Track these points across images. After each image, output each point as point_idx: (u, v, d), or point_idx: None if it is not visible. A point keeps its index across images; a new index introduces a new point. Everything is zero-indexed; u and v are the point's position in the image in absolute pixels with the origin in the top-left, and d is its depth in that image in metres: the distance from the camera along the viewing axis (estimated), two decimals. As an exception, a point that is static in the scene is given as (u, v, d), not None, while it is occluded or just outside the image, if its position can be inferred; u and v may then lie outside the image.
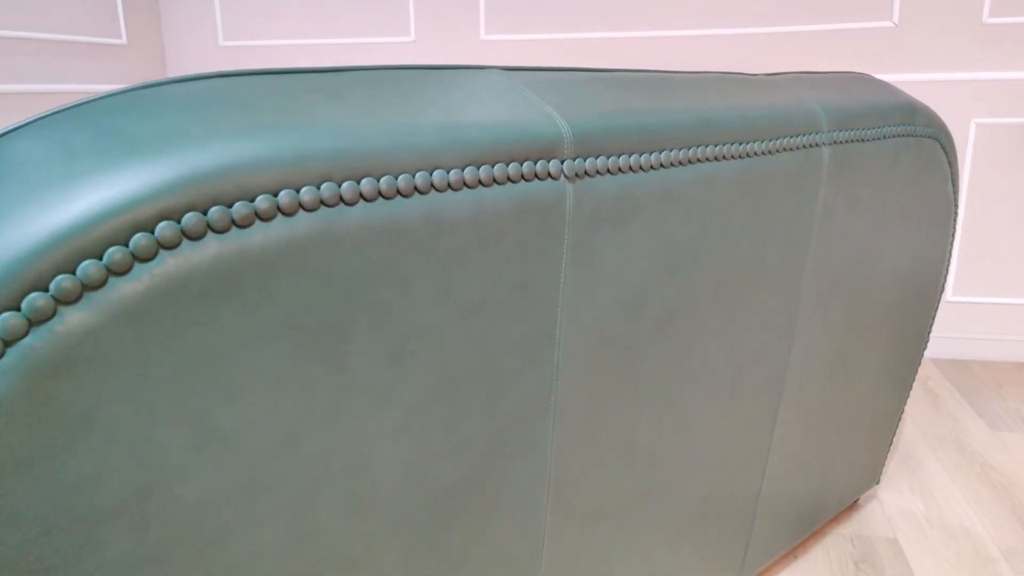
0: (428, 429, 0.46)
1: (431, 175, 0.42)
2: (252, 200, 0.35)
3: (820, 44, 1.84)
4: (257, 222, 0.35)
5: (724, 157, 0.61)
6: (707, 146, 0.59)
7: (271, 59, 2.29)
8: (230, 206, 0.34)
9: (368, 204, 0.39)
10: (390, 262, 0.40)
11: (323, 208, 0.37)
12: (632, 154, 0.53)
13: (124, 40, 2.15)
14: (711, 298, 0.65)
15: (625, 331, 0.57)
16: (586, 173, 0.50)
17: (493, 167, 0.44)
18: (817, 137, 0.72)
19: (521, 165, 0.46)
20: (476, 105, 0.46)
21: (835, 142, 0.74)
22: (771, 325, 0.74)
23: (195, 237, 0.33)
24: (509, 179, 0.45)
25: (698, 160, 0.59)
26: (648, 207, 0.55)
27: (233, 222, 0.34)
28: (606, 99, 0.54)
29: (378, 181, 0.39)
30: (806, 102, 0.72)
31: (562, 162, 0.48)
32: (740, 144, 0.62)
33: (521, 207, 0.46)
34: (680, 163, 0.57)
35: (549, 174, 0.48)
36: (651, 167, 0.55)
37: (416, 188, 0.41)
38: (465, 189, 0.43)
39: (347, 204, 0.38)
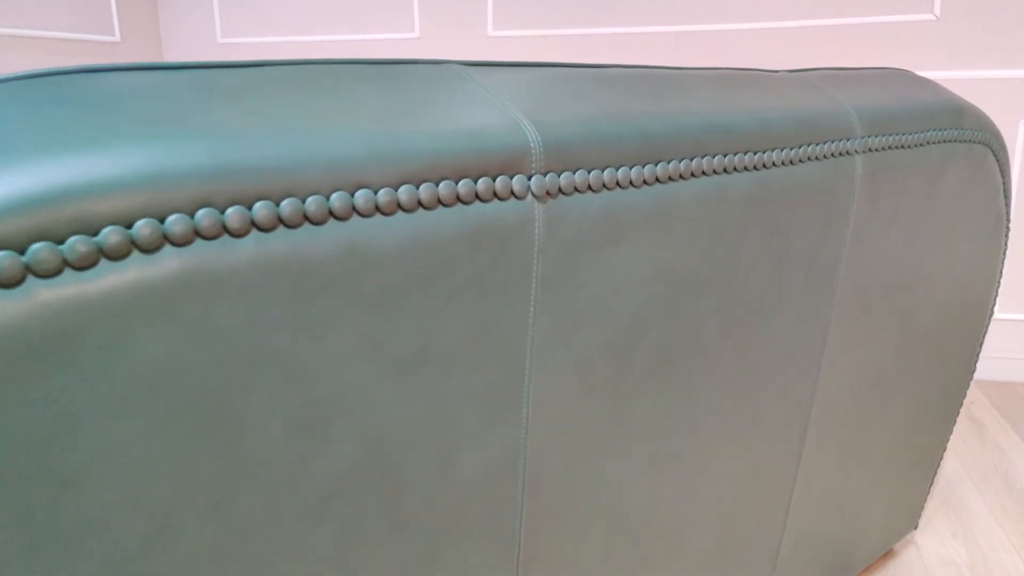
0: (355, 512, 0.37)
1: (353, 196, 0.34)
2: (94, 234, 0.27)
3: (853, 40, 1.74)
4: (103, 262, 0.27)
5: (736, 168, 0.52)
6: (715, 156, 0.51)
7: (272, 57, 2.23)
8: (61, 242, 0.26)
9: (264, 235, 0.31)
10: (296, 308, 0.32)
11: (200, 241, 0.30)
12: (621, 167, 0.45)
13: (117, 38, 2.11)
14: (720, 334, 0.56)
15: (613, 377, 0.49)
16: (561, 191, 0.42)
17: (438, 185, 0.36)
18: (848, 144, 0.63)
19: (475, 182, 0.38)
20: (420, 108, 0.38)
21: (870, 149, 0.65)
22: (793, 362, 0.65)
23: (10, 284, 0.26)
24: (459, 199, 0.37)
25: (704, 173, 0.50)
26: (642, 229, 0.47)
27: (66, 263, 0.27)
28: (591, 100, 0.46)
29: (278, 205, 0.31)
30: (836, 103, 0.63)
31: (529, 178, 0.40)
32: (755, 153, 0.54)
33: (475, 234, 0.38)
34: (682, 176, 0.49)
35: (512, 193, 0.39)
36: (645, 181, 0.46)
37: (332, 213, 0.33)
38: (400, 213, 0.35)
39: (234, 235, 0.30)
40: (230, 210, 0.30)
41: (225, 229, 0.30)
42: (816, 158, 0.60)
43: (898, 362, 0.81)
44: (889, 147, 0.67)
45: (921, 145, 0.71)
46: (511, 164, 0.39)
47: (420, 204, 0.36)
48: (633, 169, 0.45)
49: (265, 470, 0.34)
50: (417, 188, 0.36)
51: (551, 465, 0.47)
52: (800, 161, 0.58)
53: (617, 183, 0.45)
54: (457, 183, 0.37)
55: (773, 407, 0.65)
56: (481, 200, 0.38)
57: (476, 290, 0.39)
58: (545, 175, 0.41)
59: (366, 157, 0.34)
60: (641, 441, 0.53)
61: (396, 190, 0.35)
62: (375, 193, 0.34)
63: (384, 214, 0.35)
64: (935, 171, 0.73)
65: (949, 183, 0.76)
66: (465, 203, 0.38)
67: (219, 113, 0.32)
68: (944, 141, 0.74)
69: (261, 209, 0.31)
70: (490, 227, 0.39)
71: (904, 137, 0.69)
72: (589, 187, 0.43)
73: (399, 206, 0.35)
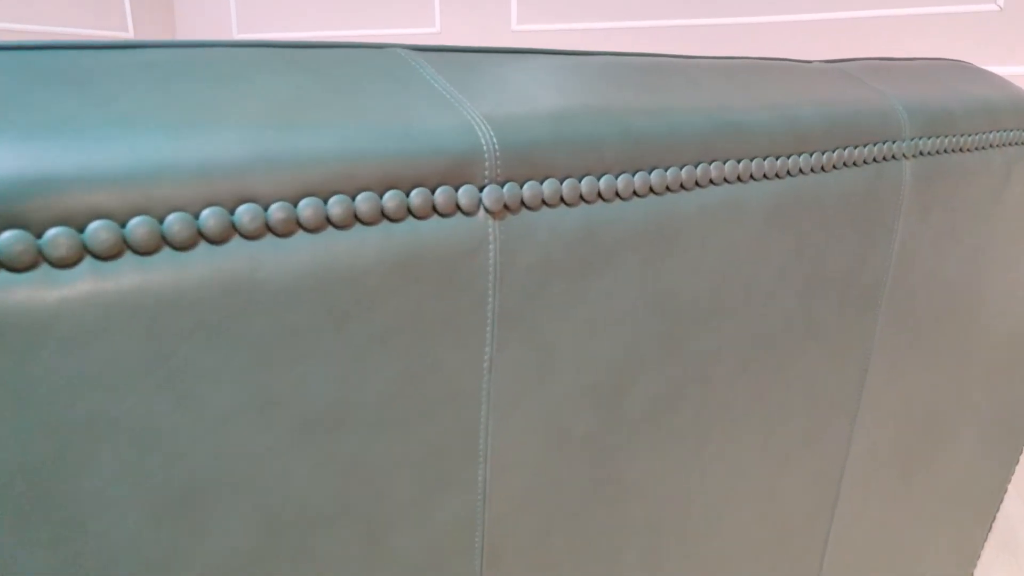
0: (247, 607, 0.30)
1: (233, 212, 0.27)
2: None
3: (905, 33, 1.62)
4: None
5: (754, 176, 0.44)
6: (727, 161, 0.42)
7: (285, 53, 2.19)
8: None
9: (105, 263, 0.24)
10: (154, 358, 0.26)
11: (5, 273, 0.23)
12: (605, 174, 0.37)
13: (131, 33, 2.09)
14: (733, 374, 0.48)
15: (598, 429, 0.41)
16: (524, 204, 0.34)
17: (354, 198, 0.29)
18: (896, 146, 0.54)
19: (408, 194, 0.31)
20: (339, 101, 0.31)
21: (921, 153, 0.56)
22: (825, 403, 0.57)
23: None
24: (385, 216, 0.30)
25: (712, 181, 0.42)
26: (633, 250, 0.39)
27: None
28: (568, 93, 0.38)
29: (124, 226, 0.25)
30: (880, 97, 0.55)
31: (481, 188, 0.33)
32: (779, 157, 0.45)
33: (408, 261, 0.31)
34: (684, 186, 0.41)
35: (459, 207, 0.32)
36: (636, 192, 0.39)
37: (203, 234, 0.26)
38: (301, 233, 0.28)
39: (58, 264, 0.23)
40: (52, 232, 0.23)
41: (42, 256, 0.23)
42: (856, 163, 0.51)
43: (954, 399, 0.72)
44: (944, 150, 0.58)
45: (982, 148, 0.61)
46: (457, 171, 0.32)
47: (329, 222, 0.29)
48: (621, 178, 0.38)
49: (124, 566, 0.27)
50: (325, 202, 0.28)
51: (519, 535, 0.40)
52: (835, 167, 0.50)
53: (599, 195, 0.37)
54: (382, 195, 0.30)
55: (801, 457, 0.56)
56: (416, 217, 0.31)
57: (410, 331, 0.32)
58: (503, 185, 0.33)
59: (251, 162, 0.27)
60: (636, 502, 0.45)
61: (295, 204, 0.28)
62: (264, 208, 0.27)
63: (278, 235, 0.28)
64: (999, 178, 0.64)
65: (1015, 192, 0.66)
66: (393, 220, 0.30)
67: (43, 104, 0.25)
68: (1010, 144, 0.64)
69: (100, 231, 0.24)
70: (428, 251, 0.31)
71: (962, 139, 0.59)
72: (562, 199, 0.36)
73: (299, 224, 0.28)
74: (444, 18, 2.06)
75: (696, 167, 0.41)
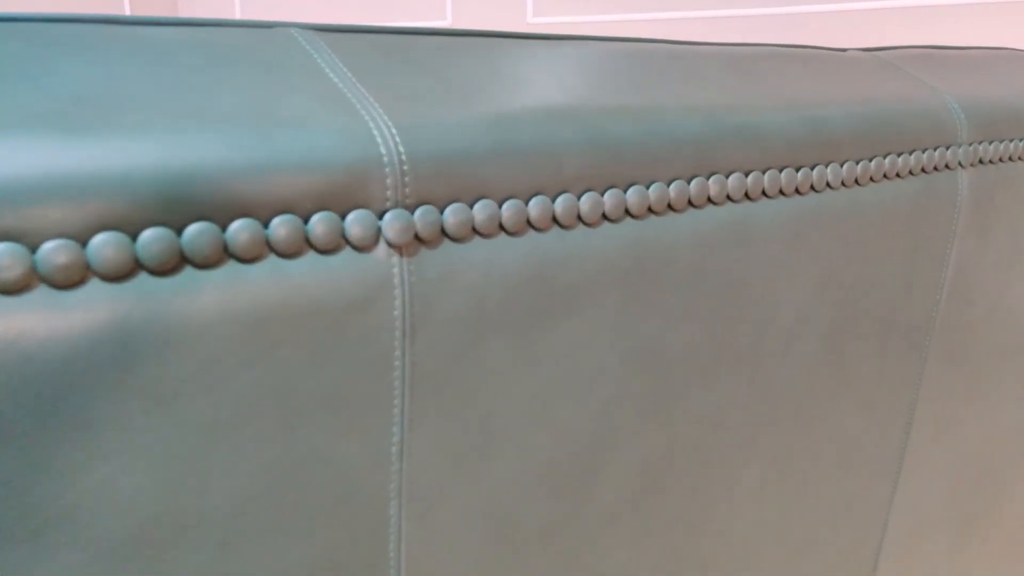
0: None
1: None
2: None
3: (959, 22, 1.51)
4: None
5: (768, 193, 0.36)
6: (731, 174, 0.34)
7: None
8: None
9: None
10: None
11: None
12: (562, 194, 0.29)
13: (129, 28, 2.05)
14: (740, 440, 0.39)
15: (559, 520, 0.33)
16: (446, 234, 0.26)
17: (180, 233, 0.21)
18: (949, 153, 0.45)
19: (265, 225, 0.23)
20: (171, 97, 0.23)
21: (981, 161, 0.47)
22: (859, 467, 0.47)
23: None
24: (231, 256, 0.22)
25: (712, 200, 0.34)
26: (603, 292, 0.31)
27: None
28: (518, 90, 0.30)
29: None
30: (930, 94, 0.46)
31: (381, 214, 0.25)
32: (801, 169, 0.37)
33: (271, 314, 0.23)
34: (674, 207, 0.32)
35: (346, 240, 0.24)
36: (607, 217, 0.30)
37: (-69, 290, 0.18)
38: (95, 282, 0.20)
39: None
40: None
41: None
42: (899, 174, 0.42)
43: (1013, 452, 0.62)
44: (1009, 157, 0.49)
45: (1056, 155, 0.52)
46: (343, 191, 0.24)
47: (140, 265, 0.21)
48: (586, 197, 0.29)
49: None
50: (134, 239, 0.21)
51: (452, 658, 0.31)
52: (873, 179, 0.41)
53: (555, 220, 0.29)
54: (225, 227, 0.22)
55: (829, 537, 0.47)
56: (279, 255, 0.23)
57: (276, 411, 0.24)
58: (413, 209, 0.25)
59: (40, 192, 0.19)
60: (614, 601, 0.37)
61: (83, 244, 0.20)
62: (32, 250, 0.19)
63: (55, 286, 0.20)
64: (1075, 191, 0.54)
65: (1095, 208, 0.56)
66: (243, 260, 0.22)
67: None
68: (1089, 149, 0.54)
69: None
70: (300, 302, 0.23)
71: (1032, 144, 0.50)
72: (502, 227, 0.27)
73: (89, 270, 0.20)
74: (456, 10, 1.98)
75: (690, 182, 0.33)
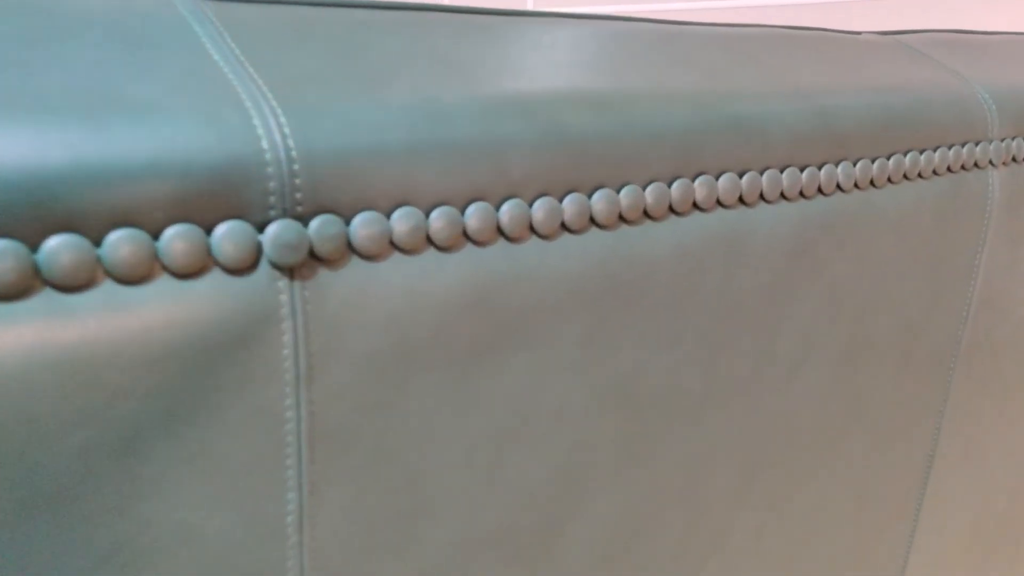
0: None
1: None
2: None
3: (984, 2, 1.45)
4: None
5: (767, 197, 0.30)
6: (722, 175, 0.29)
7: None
8: None
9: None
10: None
11: None
12: (509, 199, 0.24)
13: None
14: (735, 486, 0.34)
15: (513, 589, 0.27)
16: (355, 250, 0.21)
17: (36, 249, 0.16)
18: (979, 150, 0.39)
19: (96, 244, 0.18)
20: (11, 83, 0.18)
21: (1015, 159, 0.42)
22: (876, 507, 0.42)
23: None
24: (48, 284, 0.17)
25: (699, 206, 0.28)
26: (563, 318, 0.25)
27: None
28: (456, 76, 0.25)
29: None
30: (959, 83, 0.40)
31: (262, 227, 0.19)
32: (807, 169, 0.31)
33: (133, 350, 0.18)
34: (651, 214, 0.27)
35: (215, 260, 0.19)
36: (567, 227, 0.25)
37: None
38: None
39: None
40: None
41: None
42: (922, 174, 0.37)
43: (1047, 481, 0.56)
44: (1046, 155, 0.44)
45: (1099, 152, 0.46)
46: (211, 198, 0.19)
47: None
48: (540, 204, 0.24)
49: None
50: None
51: None
52: (892, 180, 0.36)
53: (501, 232, 0.24)
54: (35, 247, 0.17)
55: (844, 569, 0.42)
56: (120, 280, 0.18)
57: (120, 480, 0.18)
58: (307, 219, 0.20)
59: None
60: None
61: None
62: None
63: None
64: (1120, 193, 0.48)
65: None
66: (65, 290, 0.17)
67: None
68: None
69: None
70: (154, 338, 0.18)
71: (1073, 139, 0.44)
72: (430, 241, 0.22)
73: None
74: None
75: (671, 185, 0.27)
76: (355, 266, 0.21)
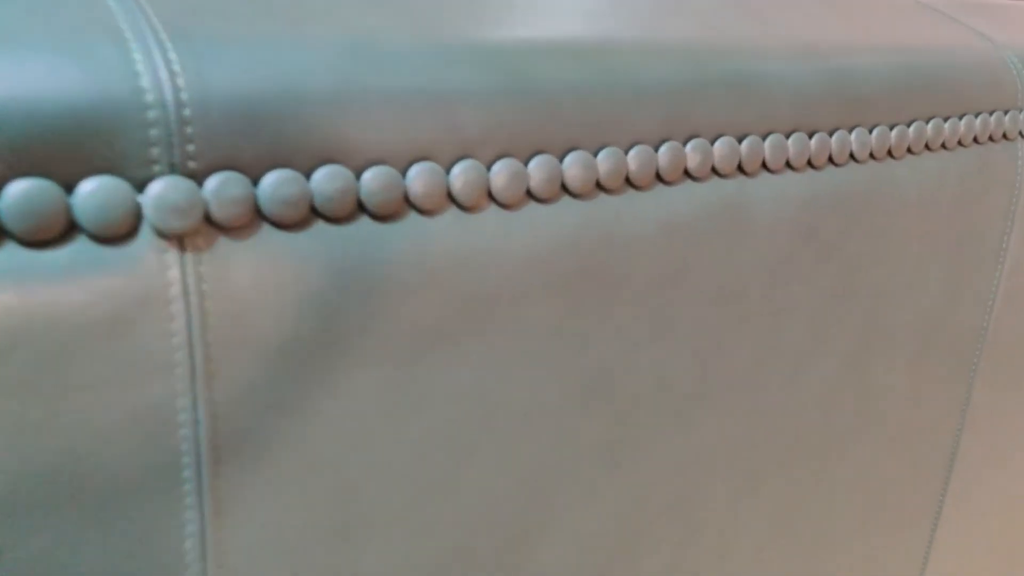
0: None
1: None
2: None
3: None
4: None
5: (770, 166, 0.26)
6: (718, 139, 0.25)
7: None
8: None
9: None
10: None
11: None
12: (462, 160, 0.20)
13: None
14: (734, 494, 0.30)
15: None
16: (264, 214, 0.17)
17: None
18: (1008, 120, 0.36)
19: (1, 194, 0.14)
20: None
21: (1047, 132, 0.38)
22: (888, 513, 0.38)
23: None
24: None
25: (692, 174, 0.25)
26: (526, 301, 0.22)
27: None
28: (390, 11, 0.21)
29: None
30: (986, 46, 0.36)
31: (141, 187, 0.16)
32: (816, 136, 0.28)
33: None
34: (635, 182, 0.23)
35: (78, 227, 0.15)
36: (534, 194, 0.21)
37: None
38: None
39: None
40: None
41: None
42: (945, 145, 0.33)
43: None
44: (1079, 128, 0.40)
45: None
46: (78, 150, 0.15)
47: None
48: (498, 167, 0.20)
49: None
50: None
51: None
52: (912, 151, 0.32)
53: (452, 198, 0.20)
54: None
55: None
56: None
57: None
58: (202, 179, 0.16)
59: None
60: None
61: None
62: None
63: None
64: None
65: None
66: None
67: None
68: None
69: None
70: (6, 326, 0.14)
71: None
72: (362, 207, 0.19)
73: None
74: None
75: (658, 148, 0.24)
76: (265, 236, 0.17)
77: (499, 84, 0.20)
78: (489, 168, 0.20)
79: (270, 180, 0.17)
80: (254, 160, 0.17)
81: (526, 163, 0.21)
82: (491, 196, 0.21)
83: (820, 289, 0.29)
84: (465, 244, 0.20)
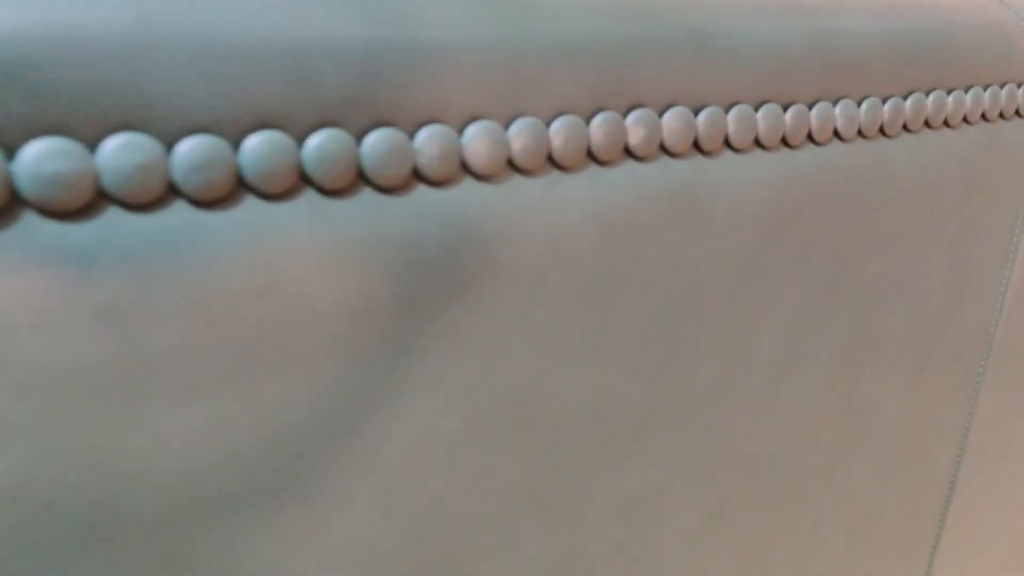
0: None
1: None
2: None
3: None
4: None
5: (733, 144, 0.22)
6: (673, 108, 0.21)
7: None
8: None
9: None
10: None
11: None
12: (321, 130, 0.16)
13: None
14: (695, 527, 0.26)
15: None
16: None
17: None
18: (1021, 94, 0.31)
19: None
20: None
21: (1066, 109, 0.33)
22: (879, 547, 0.34)
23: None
24: None
25: (635, 154, 0.20)
26: (410, 304, 0.17)
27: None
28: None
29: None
30: (999, 10, 0.32)
31: None
32: (792, 108, 0.23)
33: None
34: (559, 162, 0.19)
35: None
36: (425, 178, 0.17)
37: None
38: None
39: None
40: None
41: None
42: (948, 122, 0.29)
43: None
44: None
45: None
46: None
47: None
48: (375, 138, 0.16)
49: None
50: None
51: None
52: (909, 128, 0.27)
53: (308, 179, 0.16)
54: None
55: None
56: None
57: None
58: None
59: None
60: None
61: None
62: None
63: None
64: None
65: None
66: None
67: None
68: None
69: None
70: None
71: None
72: (175, 191, 0.14)
73: None
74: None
75: (590, 121, 0.19)
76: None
77: (368, 45, 0.16)
78: (362, 140, 0.16)
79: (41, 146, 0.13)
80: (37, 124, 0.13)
81: (413, 134, 0.17)
82: (362, 176, 0.16)
83: (797, 291, 0.25)
84: (284, 229, 0.16)
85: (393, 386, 0.17)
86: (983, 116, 0.30)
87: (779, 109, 0.23)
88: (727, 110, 0.22)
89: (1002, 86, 0.30)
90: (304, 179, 0.16)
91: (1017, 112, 0.31)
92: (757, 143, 0.23)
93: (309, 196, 0.16)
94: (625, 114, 0.20)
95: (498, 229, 0.18)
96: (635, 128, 0.20)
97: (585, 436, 0.21)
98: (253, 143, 0.15)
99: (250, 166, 0.15)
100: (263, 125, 0.15)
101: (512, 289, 0.19)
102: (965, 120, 0.29)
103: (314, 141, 0.15)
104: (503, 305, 0.19)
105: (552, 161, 0.19)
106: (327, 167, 0.15)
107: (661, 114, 0.20)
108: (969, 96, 0.29)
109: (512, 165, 0.18)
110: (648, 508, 0.24)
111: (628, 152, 0.20)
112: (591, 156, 0.19)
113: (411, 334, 0.17)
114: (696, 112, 0.21)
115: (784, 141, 0.23)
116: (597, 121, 0.19)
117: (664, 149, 0.21)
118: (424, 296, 0.17)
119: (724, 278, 0.23)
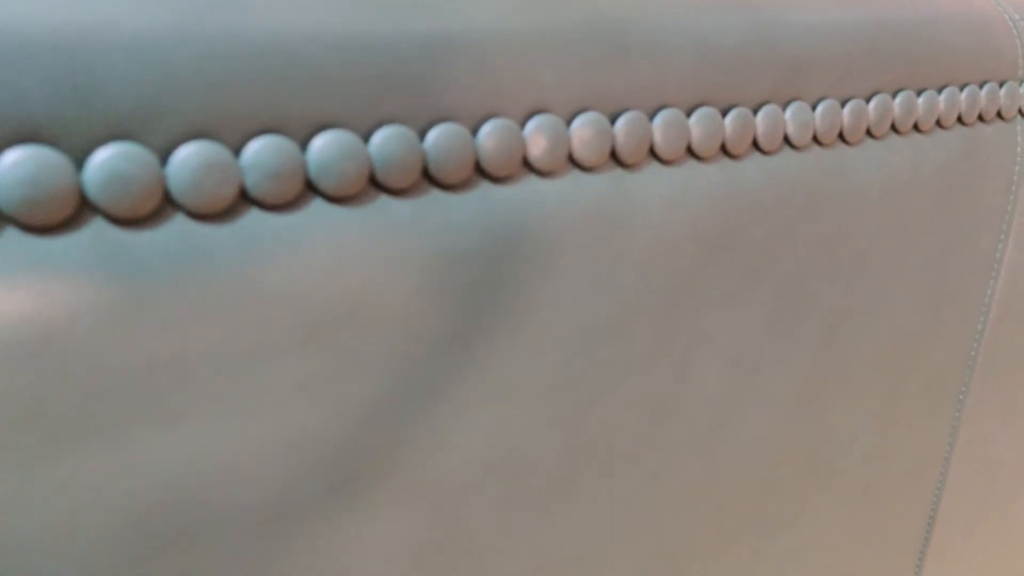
0: None
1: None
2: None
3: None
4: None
5: (661, 156, 0.19)
6: (582, 115, 0.18)
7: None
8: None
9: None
10: None
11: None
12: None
13: None
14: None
15: None
16: None
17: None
18: (1004, 94, 0.28)
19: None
20: None
21: (1054, 109, 0.31)
22: (862, 566, 0.31)
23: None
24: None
25: (537, 168, 0.17)
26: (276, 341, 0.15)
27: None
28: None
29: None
30: (981, 3, 0.29)
31: None
32: (735, 110, 0.20)
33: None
34: (446, 180, 0.16)
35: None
36: (312, 187, 0.14)
37: None
38: None
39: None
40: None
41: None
42: (920, 127, 0.26)
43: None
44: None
45: None
46: None
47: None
48: (258, 143, 0.13)
49: None
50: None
51: None
52: (875, 134, 0.25)
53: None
54: None
55: None
56: None
57: None
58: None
59: None
60: None
61: None
62: None
63: None
64: None
65: None
66: None
67: None
68: None
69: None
70: None
71: None
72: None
73: None
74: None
75: (477, 131, 0.16)
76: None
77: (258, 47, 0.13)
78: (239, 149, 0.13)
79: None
80: None
81: (309, 141, 0.14)
82: (246, 197, 0.14)
83: (745, 319, 0.22)
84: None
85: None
86: (959, 119, 0.27)
87: (716, 113, 0.20)
88: (652, 115, 0.19)
89: (981, 85, 0.27)
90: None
91: (999, 114, 0.28)
92: (690, 152, 0.20)
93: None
94: (522, 123, 0.17)
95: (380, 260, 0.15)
96: (535, 138, 0.17)
97: (493, 493, 0.18)
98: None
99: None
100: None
101: (371, 335, 0.16)
102: (939, 124, 0.26)
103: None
104: (361, 343, 0.16)
105: (433, 180, 0.16)
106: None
107: (569, 122, 0.18)
108: (943, 97, 0.26)
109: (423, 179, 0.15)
110: (575, 574, 0.21)
111: (527, 165, 0.17)
112: (481, 172, 0.17)
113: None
114: (613, 119, 0.18)
115: (724, 150, 0.20)
116: (486, 130, 0.16)
117: (572, 160, 0.18)
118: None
119: (653, 306, 0.20)
